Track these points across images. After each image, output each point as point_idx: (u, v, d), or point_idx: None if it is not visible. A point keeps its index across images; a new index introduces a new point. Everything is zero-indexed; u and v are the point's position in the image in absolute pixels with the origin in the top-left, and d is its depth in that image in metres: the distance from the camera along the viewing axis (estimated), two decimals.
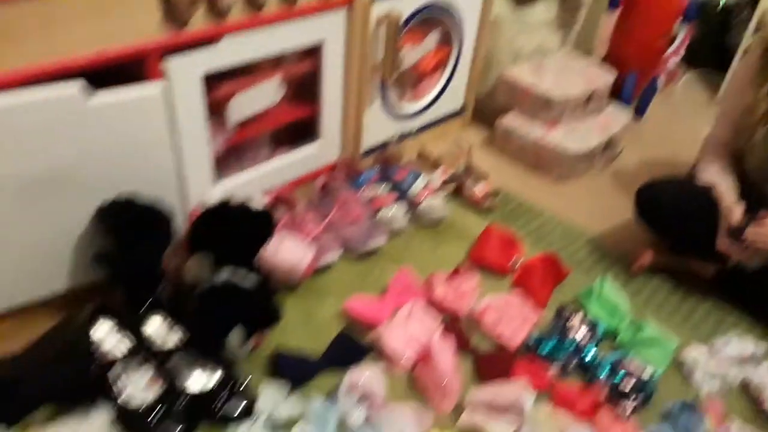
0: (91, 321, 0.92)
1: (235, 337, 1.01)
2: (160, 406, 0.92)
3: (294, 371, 1.08)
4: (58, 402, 0.88)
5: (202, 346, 1.02)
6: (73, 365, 0.89)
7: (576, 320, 1.26)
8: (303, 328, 1.19)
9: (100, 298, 1.01)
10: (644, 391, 1.14)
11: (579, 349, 1.21)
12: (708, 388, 1.19)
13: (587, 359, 1.19)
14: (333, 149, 1.57)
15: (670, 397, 1.15)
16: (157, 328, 1.02)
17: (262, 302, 1.03)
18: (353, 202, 1.44)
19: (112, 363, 0.92)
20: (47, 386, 0.89)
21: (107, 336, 0.94)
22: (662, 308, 1.38)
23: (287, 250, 1.25)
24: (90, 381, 0.88)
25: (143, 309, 1.00)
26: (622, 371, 1.16)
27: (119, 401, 0.90)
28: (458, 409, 1.08)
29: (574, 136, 1.80)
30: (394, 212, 1.47)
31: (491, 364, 1.17)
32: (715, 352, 1.25)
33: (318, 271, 1.32)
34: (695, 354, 1.23)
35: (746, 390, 1.20)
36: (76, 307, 1.05)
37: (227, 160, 1.37)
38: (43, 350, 0.93)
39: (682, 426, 1.09)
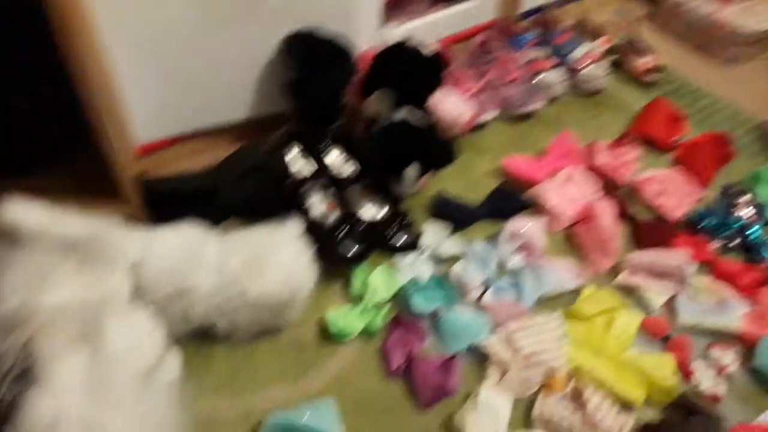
0: (285, 143, 0.98)
1: (410, 173, 1.04)
2: (343, 225, 0.98)
3: (455, 214, 1.11)
4: (253, 212, 0.96)
5: (375, 180, 1.06)
6: (270, 179, 0.96)
7: (742, 200, 1.21)
8: (461, 180, 1.21)
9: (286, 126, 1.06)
10: None
11: (743, 228, 1.16)
12: None
13: (752, 237, 1.15)
14: (491, 7, 1.51)
15: None
16: (334, 159, 1.07)
17: (438, 142, 1.04)
18: (511, 63, 1.40)
19: (301, 182, 0.97)
20: (244, 196, 0.97)
21: (296, 159, 0.99)
22: None
23: (449, 103, 1.25)
24: (285, 195, 0.95)
25: (323, 141, 1.05)
26: None
27: (309, 216, 0.96)
28: (615, 270, 1.09)
29: (752, 14, 1.63)
30: (553, 77, 1.42)
31: (651, 231, 1.15)
32: None
33: (475, 128, 1.31)
34: None
35: None
36: (253, 136, 1.11)
37: (389, 9, 1.34)
38: (238, 166, 1.00)
39: None
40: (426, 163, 1.05)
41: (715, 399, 0.94)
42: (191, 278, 0.84)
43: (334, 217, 1.01)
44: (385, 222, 1.06)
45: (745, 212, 1.19)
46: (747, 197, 1.21)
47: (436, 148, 1.05)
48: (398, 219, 1.06)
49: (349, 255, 0.99)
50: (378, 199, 1.09)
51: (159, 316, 0.83)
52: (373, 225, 1.04)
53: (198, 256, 0.85)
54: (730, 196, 1.22)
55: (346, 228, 0.99)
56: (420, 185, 1.11)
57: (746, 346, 1.01)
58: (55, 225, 0.79)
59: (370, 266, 1.01)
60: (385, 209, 1.08)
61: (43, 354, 0.72)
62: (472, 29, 1.50)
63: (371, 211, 1.07)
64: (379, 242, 1.04)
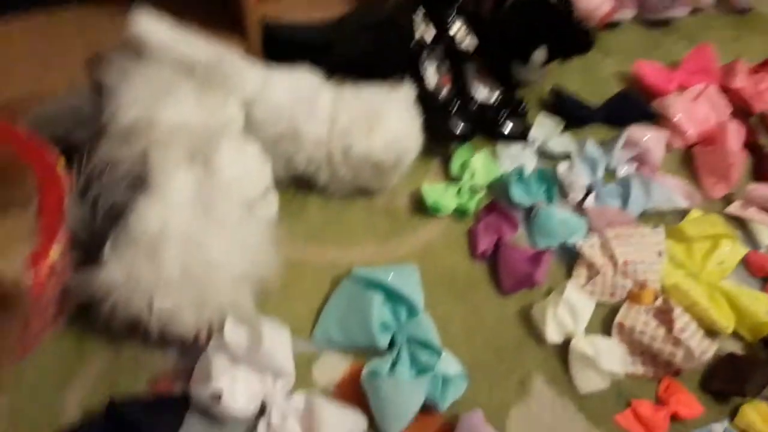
0: (413, 3, 0.93)
1: (537, 57, 0.98)
2: (455, 101, 0.95)
3: (572, 111, 1.05)
4: (369, 68, 0.93)
5: (498, 60, 1.00)
6: (392, 37, 0.92)
7: None
8: (582, 78, 1.14)
9: None
10: None
11: None
12: None
13: None
14: None
15: None
16: (456, 30, 1.01)
17: (574, 27, 0.97)
18: None
19: (422, 47, 0.93)
20: (363, 51, 0.94)
21: (419, 22, 0.94)
22: None
23: None
24: (405, 56, 0.92)
25: (450, 8, 0.99)
26: None
27: (424, 84, 0.93)
28: (728, 199, 1.02)
29: None
30: None
31: None
32: None
33: (607, 26, 1.21)
34: None
35: None
36: None
37: None
38: (362, 20, 0.96)
39: None
40: (557, 48, 0.98)
41: None
42: (302, 123, 0.83)
43: (446, 90, 0.97)
44: (498, 106, 1.01)
45: None
46: None
47: (571, 33, 0.97)
48: (511, 105, 1.02)
49: (457, 132, 0.96)
50: (493, 82, 1.04)
51: (265, 155, 0.84)
52: (484, 107, 1.00)
53: (311, 103, 0.84)
54: None
55: (457, 104, 0.95)
56: (545, 71, 1.04)
57: None
58: (181, 44, 0.79)
59: (473, 148, 0.98)
60: (498, 93, 1.03)
61: (158, 166, 0.75)
62: None
63: (484, 93, 1.03)
64: (488, 126, 1.00)
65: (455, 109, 0.95)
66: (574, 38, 0.98)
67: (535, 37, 0.97)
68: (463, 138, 0.96)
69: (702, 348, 0.84)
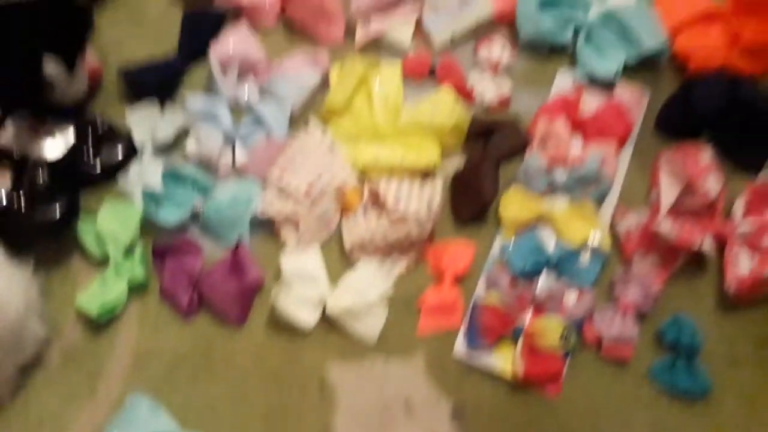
0: None
1: (50, 68, 0.72)
2: (19, 190, 0.69)
3: (154, 81, 0.81)
4: None
5: (22, 101, 0.74)
6: None
7: None
8: (140, 37, 0.88)
9: None
10: None
11: None
12: None
13: None
14: None
15: None
16: None
17: (57, 10, 0.70)
18: None
19: None
20: None
21: None
22: None
23: None
24: None
25: None
26: None
27: None
28: (350, 31, 0.86)
29: None
30: None
31: None
32: None
33: None
34: None
35: None
36: None
37: None
38: None
39: None
40: (59, 44, 0.72)
41: (505, 102, 0.81)
42: None
43: (4, 187, 0.71)
44: (77, 146, 0.76)
45: None
46: None
47: (59, 18, 0.70)
48: (89, 132, 0.77)
49: (57, 218, 0.71)
50: (52, 125, 0.78)
51: None
52: (62, 161, 0.75)
53: None
54: None
55: (28, 187, 0.70)
56: (84, 73, 0.78)
57: (509, 22, 0.84)
58: None
59: (92, 214, 0.74)
60: (70, 128, 0.78)
61: None
62: None
63: (56, 144, 0.77)
64: (85, 175, 0.76)
65: (24, 199, 0.70)
66: (66, 25, 0.72)
67: (24, 51, 0.70)
68: (69, 216, 0.72)
69: (426, 197, 0.73)
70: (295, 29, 0.87)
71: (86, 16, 0.75)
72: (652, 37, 0.78)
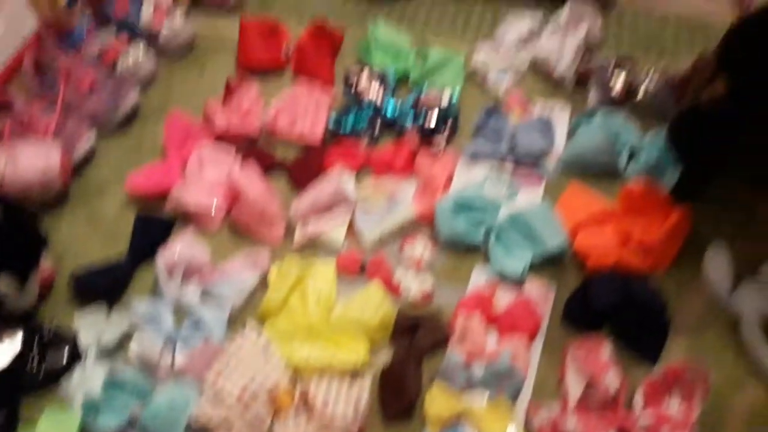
0: None
1: (2, 285, 0.77)
2: None
3: (103, 285, 0.88)
4: None
5: None
6: None
7: (364, 80, 1.09)
8: (96, 237, 0.96)
9: None
10: (449, 117, 1.04)
11: (378, 109, 1.06)
12: (504, 85, 1.11)
13: (389, 115, 1.06)
14: (25, 16, 1.17)
15: (474, 111, 1.07)
16: None
17: (13, 232, 0.77)
18: (79, 66, 1.11)
19: None
20: None
21: None
22: (441, 24, 1.24)
23: (26, 160, 0.96)
24: None
25: None
26: (424, 109, 1.04)
27: None
28: (290, 231, 0.95)
29: None
30: (134, 56, 1.16)
31: (303, 167, 1.01)
32: (498, 45, 1.15)
33: (80, 166, 1.04)
34: (483, 56, 1.13)
35: (537, 68, 1.14)
36: None
37: None
38: None
39: (491, 131, 1.03)
40: (15, 263, 0.78)
41: (427, 297, 0.88)
42: None
43: None
44: (22, 354, 0.80)
45: (372, 91, 1.08)
46: (366, 72, 1.10)
47: (16, 240, 0.78)
48: (36, 340, 0.82)
49: None
50: (2, 332, 0.82)
51: None
52: (6, 371, 0.78)
53: None
54: (351, 83, 1.10)
55: None
56: (36, 286, 0.84)
57: (429, 223, 0.95)
58: None
59: (31, 423, 0.76)
60: (18, 336, 0.82)
61: None
62: (17, 53, 1.17)
63: (3, 352, 0.81)
64: (28, 383, 0.79)
65: None
66: (21, 246, 0.79)
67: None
68: (8, 430, 0.74)
69: (354, 398, 0.77)
70: (239, 231, 0.95)
71: (40, 236, 0.82)
72: (554, 237, 0.88)
